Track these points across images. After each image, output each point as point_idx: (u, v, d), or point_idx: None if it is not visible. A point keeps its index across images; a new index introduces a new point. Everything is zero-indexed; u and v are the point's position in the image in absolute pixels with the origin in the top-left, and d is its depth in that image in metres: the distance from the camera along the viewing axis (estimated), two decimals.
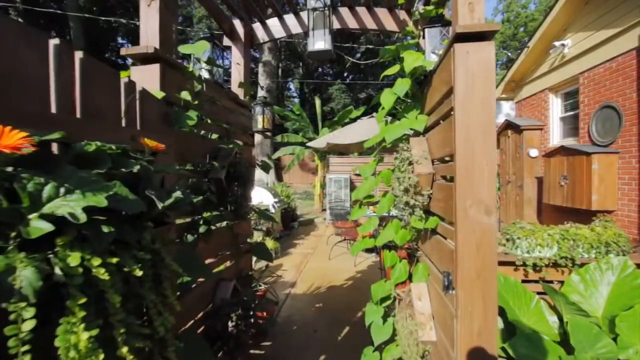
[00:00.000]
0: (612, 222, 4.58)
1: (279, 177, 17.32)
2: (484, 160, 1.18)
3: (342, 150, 10.43)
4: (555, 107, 6.29)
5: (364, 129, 5.72)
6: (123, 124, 1.11)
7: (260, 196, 7.37)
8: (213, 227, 1.77)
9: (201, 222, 1.55)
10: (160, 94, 1.34)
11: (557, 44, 5.60)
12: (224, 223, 1.94)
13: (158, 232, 0.89)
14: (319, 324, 3.31)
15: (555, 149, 5.43)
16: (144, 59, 1.39)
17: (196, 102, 1.55)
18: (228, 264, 2.10)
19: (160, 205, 0.78)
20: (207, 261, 1.78)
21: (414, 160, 1.57)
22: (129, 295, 0.74)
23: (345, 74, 30.27)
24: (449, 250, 1.31)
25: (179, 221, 1.56)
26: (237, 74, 2.22)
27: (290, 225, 8.95)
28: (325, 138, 5.84)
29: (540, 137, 6.42)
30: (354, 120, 9.17)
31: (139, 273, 0.68)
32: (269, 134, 2.84)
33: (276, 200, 7.40)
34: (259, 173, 16.16)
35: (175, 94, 1.46)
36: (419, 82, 1.89)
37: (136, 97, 1.19)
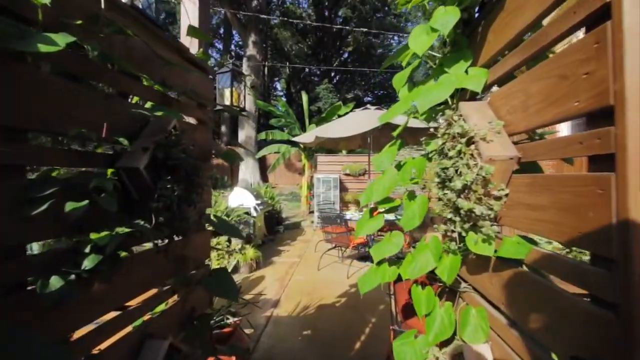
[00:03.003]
0: None
1: (264, 178, 16.51)
2: None
3: (330, 148, 9.78)
4: None
5: (357, 123, 5.06)
6: None
7: (241, 198, 6.60)
8: (129, 253, 1.04)
9: (88, 248, 0.82)
10: None
11: None
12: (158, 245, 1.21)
13: None
14: None
15: None
16: None
17: (79, 22, 0.82)
18: (171, 301, 1.37)
19: None
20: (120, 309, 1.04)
21: (478, 135, 0.89)
22: None
23: (333, 74, 29.77)
24: (584, 311, 0.63)
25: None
26: (187, 17, 1.49)
27: (275, 229, 8.19)
28: (314, 132, 5.15)
29: None
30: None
31: None
32: (246, 113, 2.07)
33: (259, 202, 6.64)
34: (242, 173, 15.35)
35: None
36: (464, 21, 1.22)
37: None
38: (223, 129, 24.64)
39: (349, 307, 3.66)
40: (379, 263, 1.21)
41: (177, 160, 1.08)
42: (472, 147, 0.90)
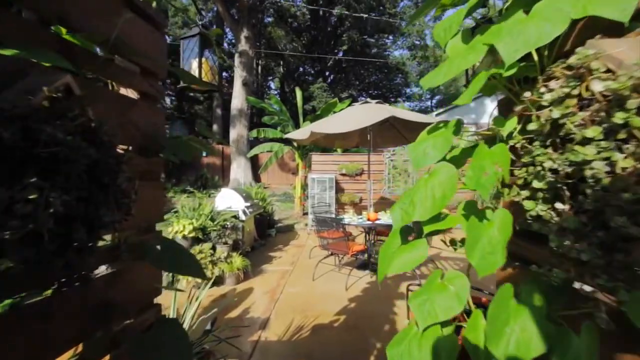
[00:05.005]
0: None
1: (257, 178, 15.96)
2: None
3: (325, 146, 9.31)
4: None
5: (356, 117, 4.57)
6: None
7: (229, 200, 6.06)
8: None
9: None
10: None
11: None
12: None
13: None
14: None
15: None
16: None
17: None
18: None
19: None
20: None
21: None
22: None
23: (327, 73, 29.39)
24: None
25: None
26: None
27: (266, 233, 7.67)
28: (310, 127, 4.66)
29: None
30: None
31: None
32: (216, 89, 1.49)
33: (248, 204, 6.11)
34: (234, 173, 14.79)
35: None
36: None
37: None
38: (215, 127, 23.97)
39: (349, 328, 3.17)
40: (422, 325, 0.72)
41: (59, 147, 0.57)
42: None
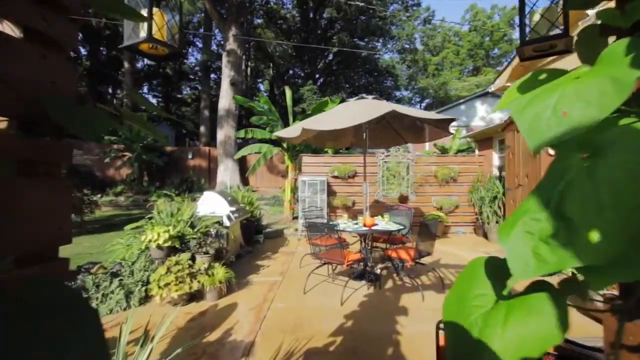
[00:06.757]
0: None
1: (245, 181, 15.42)
2: None
3: (316, 147, 8.92)
4: None
5: (352, 114, 4.19)
6: None
7: (213, 204, 5.57)
8: None
9: None
10: None
11: (591, 12, 4.50)
12: None
13: None
14: None
15: None
16: None
17: None
18: None
19: None
20: None
21: None
22: None
23: (317, 76, 29.14)
24: None
25: None
26: None
27: (254, 239, 7.19)
28: (302, 124, 4.24)
29: None
30: None
31: None
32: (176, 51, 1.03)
33: (233, 209, 5.63)
34: (220, 175, 14.20)
35: None
36: None
37: None
38: (202, 129, 23.26)
39: (346, 352, 2.75)
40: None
41: None
42: None
